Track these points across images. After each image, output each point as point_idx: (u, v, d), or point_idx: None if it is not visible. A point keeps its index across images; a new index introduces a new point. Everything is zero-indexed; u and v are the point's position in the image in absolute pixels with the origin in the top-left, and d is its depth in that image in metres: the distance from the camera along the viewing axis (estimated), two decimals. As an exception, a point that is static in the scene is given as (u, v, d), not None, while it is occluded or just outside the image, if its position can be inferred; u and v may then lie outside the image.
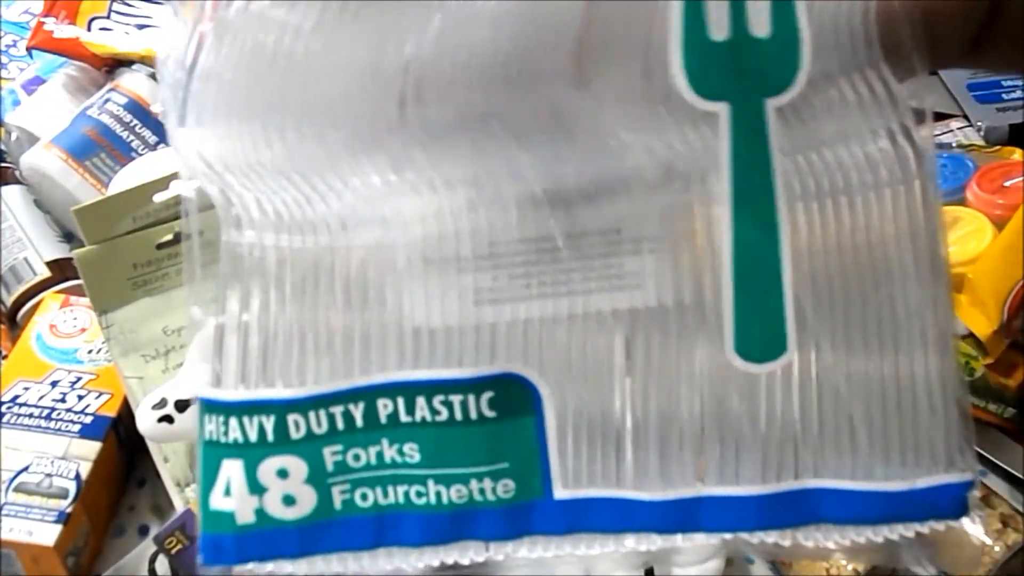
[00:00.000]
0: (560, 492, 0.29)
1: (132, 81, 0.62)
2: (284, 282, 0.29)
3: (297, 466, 0.28)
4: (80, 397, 0.47)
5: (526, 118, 0.27)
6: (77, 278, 0.48)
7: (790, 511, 0.27)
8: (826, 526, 0.27)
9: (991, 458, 0.44)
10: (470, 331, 0.28)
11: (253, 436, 0.28)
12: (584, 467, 0.29)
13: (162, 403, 0.42)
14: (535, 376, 0.28)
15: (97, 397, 0.47)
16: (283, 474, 0.28)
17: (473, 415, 0.28)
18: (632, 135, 0.27)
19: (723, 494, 0.27)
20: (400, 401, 0.28)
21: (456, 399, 0.29)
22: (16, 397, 0.46)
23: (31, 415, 0.46)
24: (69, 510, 0.42)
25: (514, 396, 0.28)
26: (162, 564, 0.41)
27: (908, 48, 0.24)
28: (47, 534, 0.41)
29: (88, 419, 0.46)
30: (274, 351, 0.29)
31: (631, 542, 0.28)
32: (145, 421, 0.42)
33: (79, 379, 0.48)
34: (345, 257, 0.28)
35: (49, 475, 0.43)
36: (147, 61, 0.63)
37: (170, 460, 0.45)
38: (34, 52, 0.66)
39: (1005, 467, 0.43)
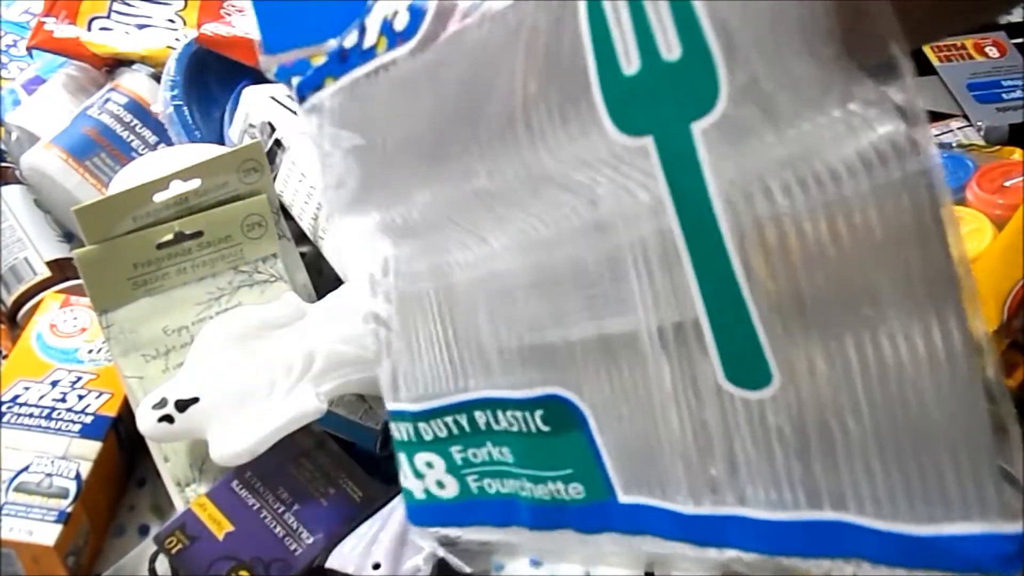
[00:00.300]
0: (623, 497, 0.31)
1: (132, 81, 0.62)
2: (409, 317, 0.35)
3: (437, 460, 0.35)
4: (80, 397, 0.47)
5: (500, 161, 0.28)
6: (77, 278, 0.48)
7: (817, 541, 0.25)
8: (859, 561, 0.25)
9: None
10: (517, 357, 0.32)
11: (404, 437, 0.35)
12: (634, 477, 0.30)
13: (162, 403, 0.42)
14: (575, 396, 0.30)
15: (97, 397, 0.47)
16: (430, 465, 0.35)
17: (533, 429, 0.32)
18: (591, 175, 0.27)
19: (746, 515, 0.27)
20: (489, 413, 0.33)
21: (518, 415, 0.32)
22: (16, 397, 0.46)
23: (31, 415, 0.46)
24: (69, 510, 0.42)
25: (562, 414, 0.31)
26: (162, 564, 0.41)
27: (884, 41, 0.21)
28: (47, 534, 0.41)
29: (88, 419, 0.46)
30: (401, 373, 0.35)
31: (684, 550, 0.29)
32: (145, 421, 0.42)
33: (79, 379, 0.48)
34: (443, 296, 0.33)
35: (49, 475, 0.43)
36: (147, 61, 0.63)
37: (170, 460, 0.45)
38: (34, 52, 0.66)
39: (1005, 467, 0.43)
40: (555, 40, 0.25)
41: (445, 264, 0.32)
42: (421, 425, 0.34)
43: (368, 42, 0.29)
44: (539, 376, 0.31)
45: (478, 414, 0.33)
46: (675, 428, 0.28)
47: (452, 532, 0.35)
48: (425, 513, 0.36)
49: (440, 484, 0.35)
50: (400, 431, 0.35)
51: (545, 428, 0.31)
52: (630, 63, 0.23)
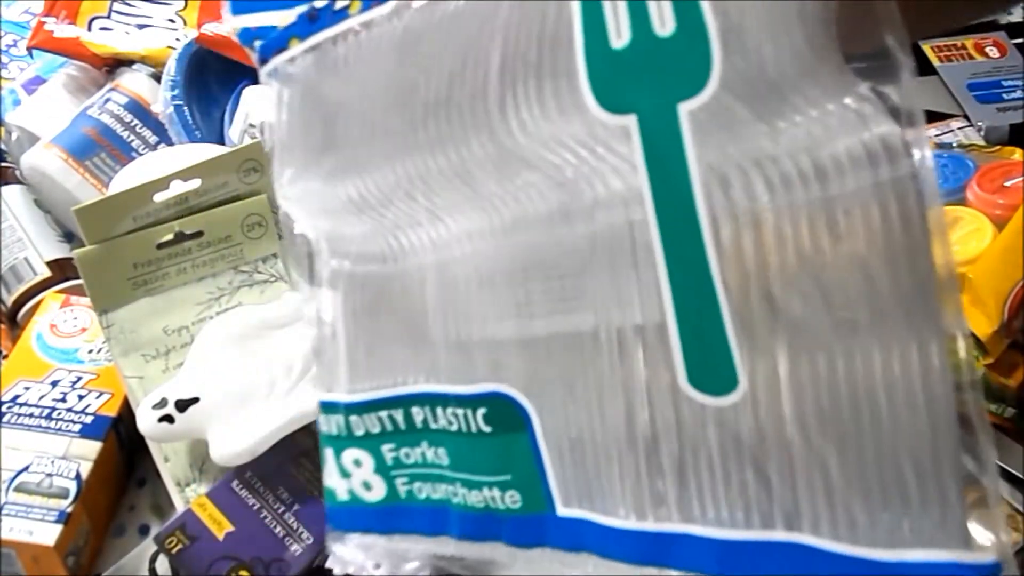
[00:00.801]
0: (562, 510, 0.28)
1: (132, 81, 0.62)
2: (352, 302, 0.33)
3: (366, 458, 0.32)
4: (80, 397, 0.47)
5: (466, 151, 0.27)
6: (77, 278, 0.48)
7: (767, 564, 0.24)
8: None
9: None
10: (464, 350, 0.30)
11: (333, 430, 0.33)
12: (576, 487, 0.28)
13: (162, 403, 0.42)
14: (521, 396, 0.29)
15: (97, 397, 0.47)
16: (358, 464, 0.32)
17: (473, 428, 0.30)
18: (563, 156, 0.26)
19: (692, 533, 0.25)
20: (427, 410, 0.31)
21: (459, 413, 0.30)
22: (16, 397, 0.46)
23: (31, 415, 0.46)
24: (69, 510, 0.42)
25: (506, 414, 0.29)
26: (162, 564, 0.41)
27: (885, 37, 0.20)
28: (47, 534, 0.41)
29: (88, 419, 0.46)
30: (339, 361, 0.33)
31: (622, 569, 0.27)
32: (145, 421, 0.42)
33: (79, 379, 0.48)
34: (390, 281, 0.31)
35: (49, 475, 0.43)
36: (148, 61, 0.63)
37: (170, 460, 0.45)
38: (34, 52, 0.66)
39: (1005, 467, 0.43)
40: (539, 8, 0.24)
41: (397, 246, 0.30)
42: (353, 419, 0.32)
43: (341, 2, 0.28)
44: (485, 372, 0.29)
45: (416, 410, 0.31)
46: (623, 435, 0.26)
47: (374, 540, 0.32)
48: (346, 516, 0.33)
49: (367, 485, 0.32)
50: (330, 424, 0.32)
51: (487, 428, 0.29)
52: (620, 36, 0.22)
